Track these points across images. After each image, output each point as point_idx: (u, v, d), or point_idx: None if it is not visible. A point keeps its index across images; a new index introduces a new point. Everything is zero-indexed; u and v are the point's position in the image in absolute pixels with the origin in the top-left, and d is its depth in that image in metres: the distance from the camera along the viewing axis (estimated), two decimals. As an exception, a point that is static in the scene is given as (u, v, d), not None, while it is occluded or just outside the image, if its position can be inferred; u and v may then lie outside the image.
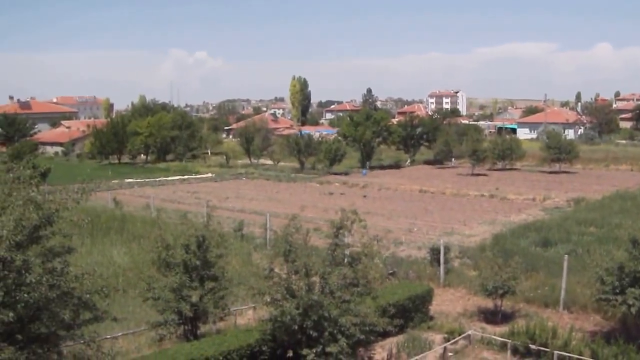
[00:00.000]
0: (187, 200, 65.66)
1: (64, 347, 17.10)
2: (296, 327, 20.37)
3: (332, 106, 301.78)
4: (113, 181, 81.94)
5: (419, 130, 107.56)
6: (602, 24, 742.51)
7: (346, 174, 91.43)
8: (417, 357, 23.32)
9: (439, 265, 33.79)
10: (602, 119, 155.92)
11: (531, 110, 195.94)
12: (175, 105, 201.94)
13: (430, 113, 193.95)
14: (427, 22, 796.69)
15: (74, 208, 16.80)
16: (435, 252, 34.86)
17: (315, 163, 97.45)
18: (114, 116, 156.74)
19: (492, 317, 28.46)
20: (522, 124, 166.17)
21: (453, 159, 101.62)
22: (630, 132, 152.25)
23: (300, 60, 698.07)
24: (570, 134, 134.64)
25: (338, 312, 20.34)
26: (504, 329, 26.32)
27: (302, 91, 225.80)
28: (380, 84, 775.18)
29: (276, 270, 21.70)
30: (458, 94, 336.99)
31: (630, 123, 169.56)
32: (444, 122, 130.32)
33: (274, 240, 24.99)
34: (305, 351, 20.11)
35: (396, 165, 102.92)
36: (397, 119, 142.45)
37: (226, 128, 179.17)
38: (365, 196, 68.84)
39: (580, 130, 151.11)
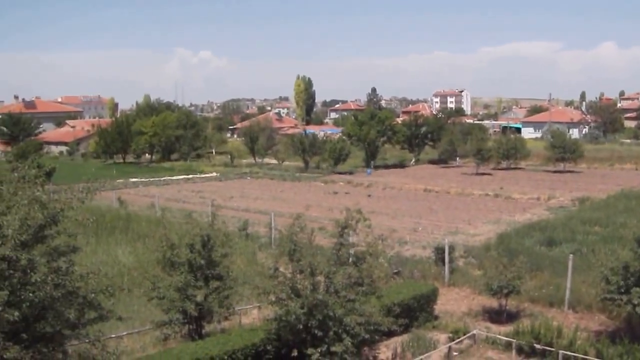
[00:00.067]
0: (191, 199, 65.72)
1: (69, 346, 17.11)
2: (301, 327, 20.36)
3: (337, 105, 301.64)
4: (118, 180, 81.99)
5: (423, 129, 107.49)
6: (607, 23, 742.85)
7: (351, 173, 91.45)
8: (422, 357, 23.29)
9: (444, 264, 33.76)
10: (606, 118, 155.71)
11: (536, 110, 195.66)
12: (180, 105, 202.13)
13: (434, 112, 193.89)
14: (431, 21, 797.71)
15: (79, 207, 16.81)
16: (439, 251, 34.82)
17: (320, 162, 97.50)
18: (118, 116, 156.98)
19: (496, 316, 28.43)
20: (526, 123, 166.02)
21: (457, 158, 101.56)
22: (634, 131, 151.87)
23: (304, 60, 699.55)
24: (574, 133, 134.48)
25: (343, 312, 20.33)
26: (508, 328, 26.28)
27: (306, 90, 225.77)
28: (385, 83, 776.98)
29: (281, 269, 21.70)
30: (462, 93, 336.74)
31: (634, 122, 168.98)
32: (449, 122, 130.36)
33: (279, 239, 24.98)
34: (310, 350, 20.10)
35: (401, 165, 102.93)
36: (401, 118, 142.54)
37: (230, 127, 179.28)
38: (369, 195, 68.80)
39: (585, 130, 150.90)
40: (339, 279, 20.67)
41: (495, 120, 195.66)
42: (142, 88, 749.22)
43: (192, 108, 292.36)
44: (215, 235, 23.45)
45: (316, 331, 20.18)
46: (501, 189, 70.21)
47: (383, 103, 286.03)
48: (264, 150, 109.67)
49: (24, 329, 15.45)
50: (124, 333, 24.26)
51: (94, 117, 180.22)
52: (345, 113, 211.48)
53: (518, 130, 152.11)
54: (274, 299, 21.11)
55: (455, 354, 24.34)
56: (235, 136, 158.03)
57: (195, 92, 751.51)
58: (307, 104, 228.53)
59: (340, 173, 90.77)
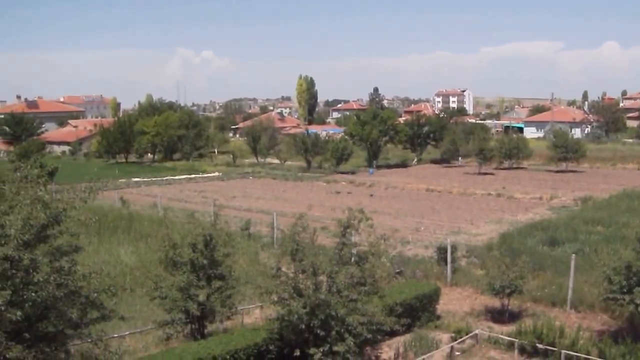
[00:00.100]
0: (194, 199, 65.74)
1: (72, 345, 17.12)
2: (303, 326, 20.35)
3: (339, 105, 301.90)
4: (120, 180, 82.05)
5: (425, 129, 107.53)
6: (609, 23, 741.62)
7: (353, 173, 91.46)
8: (424, 356, 23.29)
9: (446, 264, 33.75)
10: (609, 117, 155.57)
11: (538, 109, 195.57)
12: (182, 105, 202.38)
13: (437, 112, 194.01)
14: (433, 21, 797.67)
15: (82, 207, 16.82)
16: (442, 251, 34.82)
17: (322, 162, 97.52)
18: (121, 115, 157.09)
19: (499, 316, 28.41)
20: (528, 123, 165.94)
21: (460, 158, 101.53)
22: (637, 130, 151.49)
23: (306, 60, 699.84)
24: (577, 132, 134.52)
25: (345, 311, 20.32)
26: (511, 328, 26.27)
27: (308, 90, 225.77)
28: (387, 83, 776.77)
29: (283, 269, 21.70)
30: (465, 93, 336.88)
31: (637, 122, 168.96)
32: (451, 121, 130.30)
33: (281, 239, 24.98)
34: (312, 350, 20.08)
35: (403, 164, 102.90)
36: (403, 118, 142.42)
37: (233, 127, 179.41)
38: (372, 195, 68.84)
39: (587, 129, 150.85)
40: (342, 278, 20.66)
41: (498, 120, 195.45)
42: (144, 88, 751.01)
43: (195, 108, 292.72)
44: (218, 235, 23.44)
45: (318, 331, 20.17)
46: (503, 189, 70.22)
47: (385, 103, 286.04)
48: (266, 150, 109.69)
49: (26, 329, 15.46)
50: (127, 333, 24.28)
51: (97, 117, 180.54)
52: (348, 113, 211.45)
53: (520, 129, 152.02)
54: (276, 298, 21.11)
55: (457, 353, 24.33)
56: (237, 136, 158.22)
57: (197, 92, 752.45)
58: (310, 104, 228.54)
59: (342, 173, 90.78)
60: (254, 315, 27.78)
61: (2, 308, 14.25)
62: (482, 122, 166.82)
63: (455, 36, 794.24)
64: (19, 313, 14.56)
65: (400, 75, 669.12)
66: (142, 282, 25.60)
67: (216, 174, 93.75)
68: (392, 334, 23.95)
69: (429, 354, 23.56)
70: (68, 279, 15.85)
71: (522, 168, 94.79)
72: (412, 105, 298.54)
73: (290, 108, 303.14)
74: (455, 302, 30.85)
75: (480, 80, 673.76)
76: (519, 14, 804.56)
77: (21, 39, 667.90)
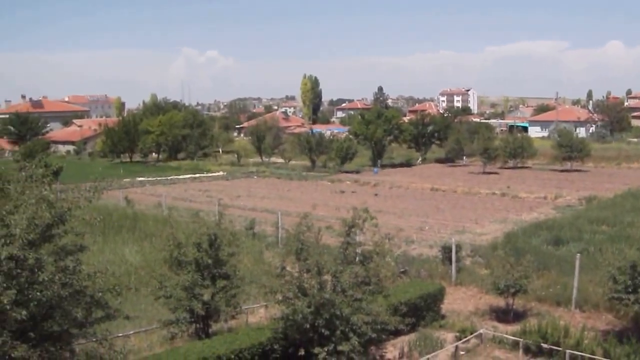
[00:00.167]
0: (198, 198, 65.81)
1: (77, 345, 17.14)
2: (308, 326, 20.35)
3: (343, 104, 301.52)
4: (125, 180, 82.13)
5: (430, 128, 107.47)
6: (614, 22, 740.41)
7: (357, 172, 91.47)
8: (428, 356, 23.28)
9: (451, 263, 33.73)
10: (613, 117, 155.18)
11: (542, 109, 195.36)
12: (187, 104, 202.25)
13: (441, 111, 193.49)
14: (437, 20, 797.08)
15: (86, 207, 16.83)
16: (446, 250, 34.80)
17: (327, 161, 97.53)
18: (125, 115, 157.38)
19: (503, 315, 28.39)
20: (533, 122, 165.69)
21: (464, 157, 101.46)
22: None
23: (311, 59, 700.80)
24: (581, 132, 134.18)
25: (350, 311, 20.33)
26: (515, 327, 26.25)
27: (313, 89, 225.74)
28: (392, 82, 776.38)
29: (288, 268, 21.71)
30: (469, 92, 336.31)
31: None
32: (455, 121, 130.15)
33: (286, 238, 25.00)
34: (317, 350, 20.09)
35: (407, 164, 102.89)
36: (408, 117, 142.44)
37: (237, 126, 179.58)
38: (376, 194, 68.84)
39: (592, 129, 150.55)
40: (346, 278, 20.66)
41: (502, 119, 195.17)
42: (149, 87, 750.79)
43: (199, 107, 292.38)
44: (222, 234, 23.46)
45: (323, 330, 20.18)
46: (508, 188, 70.12)
47: (390, 102, 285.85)
48: (271, 149, 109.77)
49: (31, 328, 15.48)
50: (131, 332, 24.30)
51: (101, 117, 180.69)
52: (352, 112, 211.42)
53: (525, 129, 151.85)
54: (280, 298, 21.12)
55: (462, 353, 24.32)
56: (242, 135, 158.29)
57: (201, 92, 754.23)
58: (314, 103, 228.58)
59: (347, 172, 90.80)
60: (259, 315, 27.80)
61: (8, 307, 14.28)
62: (487, 121, 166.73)
63: (460, 35, 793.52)
64: (24, 312, 14.58)
65: (405, 75, 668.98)
66: (147, 281, 25.64)
67: (220, 173, 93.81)
68: (397, 333, 23.95)
69: (433, 354, 23.56)
70: (73, 279, 15.88)
71: (526, 167, 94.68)
72: (417, 104, 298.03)
73: (294, 107, 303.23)
74: (460, 301, 30.83)
75: (484, 79, 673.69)
76: (524, 13, 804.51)
77: (25, 38, 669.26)
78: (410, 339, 24.72)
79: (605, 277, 24.90)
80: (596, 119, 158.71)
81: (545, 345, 23.63)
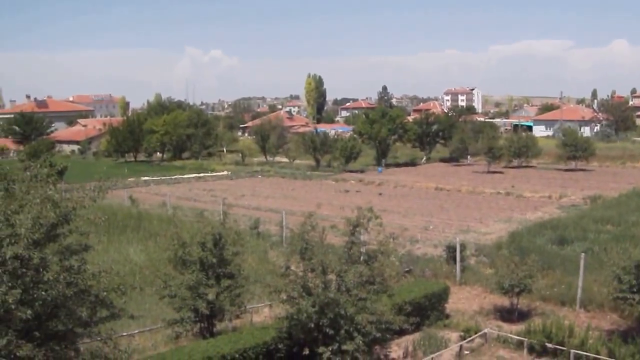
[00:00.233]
0: (203, 198, 65.85)
1: (81, 344, 17.16)
2: (312, 325, 20.37)
3: (348, 104, 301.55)
4: (129, 179, 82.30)
5: (434, 127, 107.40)
6: (619, 21, 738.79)
7: (362, 171, 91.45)
8: (433, 355, 23.28)
9: (455, 263, 33.73)
10: (618, 116, 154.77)
11: (547, 108, 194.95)
12: (191, 104, 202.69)
13: (445, 110, 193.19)
14: (442, 19, 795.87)
15: (91, 206, 16.85)
16: (451, 250, 34.80)
17: (331, 161, 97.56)
18: (130, 114, 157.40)
19: (508, 315, 28.38)
20: (537, 122, 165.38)
21: (469, 157, 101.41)
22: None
23: (315, 58, 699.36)
24: (586, 131, 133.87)
25: (354, 310, 20.33)
26: (520, 327, 26.23)
27: (317, 89, 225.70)
28: (396, 81, 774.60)
29: (292, 268, 21.72)
30: (473, 92, 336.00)
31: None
32: (460, 120, 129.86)
33: (290, 238, 25.05)
34: (321, 349, 20.11)
35: (412, 163, 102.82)
36: (412, 117, 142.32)
37: (242, 126, 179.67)
38: (381, 194, 68.86)
39: (597, 128, 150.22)
40: (351, 277, 20.67)
41: (507, 119, 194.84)
42: (153, 87, 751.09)
43: (203, 107, 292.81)
44: (227, 234, 23.50)
45: (327, 330, 20.20)
46: (512, 187, 70.10)
47: (394, 101, 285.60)
48: (275, 149, 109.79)
49: (36, 327, 15.50)
50: (136, 331, 24.35)
51: (106, 116, 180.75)
52: (356, 111, 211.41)
53: (529, 128, 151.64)
54: (285, 297, 21.14)
55: (466, 352, 24.32)
56: (246, 135, 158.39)
57: (206, 91, 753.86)
58: (318, 103, 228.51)
59: (351, 171, 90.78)
60: (263, 314, 27.83)
61: (13, 307, 14.30)
62: (491, 120, 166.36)
63: (464, 35, 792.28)
64: (29, 312, 14.61)
65: (409, 74, 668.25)
66: (152, 280, 25.66)
67: (225, 172, 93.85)
68: (401, 332, 23.96)
69: (437, 353, 23.56)
70: (78, 278, 15.89)
71: (531, 167, 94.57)
72: (421, 103, 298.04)
73: (298, 107, 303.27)
74: (464, 301, 30.83)
75: (489, 78, 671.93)
76: (528, 12, 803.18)
77: (29, 38, 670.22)
78: (414, 339, 24.73)
79: (610, 276, 24.87)
80: (601, 118, 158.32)
81: (549, 345, 23.62)
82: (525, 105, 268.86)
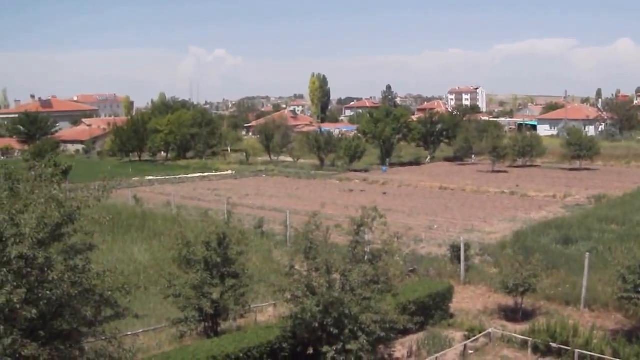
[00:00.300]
0: (207, 197, 65.90)
1: (86, 343, 17.18)
2: (317, 325, 20.39)
3: (352, 103, 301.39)
4: (134, 179, 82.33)
5: (438, 127, 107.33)
6: (623, 20, 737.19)
7: (366, 170, 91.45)
8: (437, 355, 23.28)
9: (460, 262, 33.72)
10: (623, 115, 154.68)
11: (551, 107, 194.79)
12: (195, 103, 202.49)
13: (450, 110, 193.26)
14: (446, 18, 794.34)
15: (95, 206, 16.86)
16: (455, 249, 34.79)
17: (335, 160, 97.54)
18: (134, 114, 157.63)
19: (512, 314, 28.37)
20: (542, 121, 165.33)
21: (473, 156, 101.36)
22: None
23: (319, 58, 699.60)
24: (590, 130, 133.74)
25: (358, 310, 20.35)
26: (524, 326, 26.22)
27: (321, 88, 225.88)
28: (400, 80, 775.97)
29: (297, 267, 21.75)
30: (478, 91, 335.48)
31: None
32: (464, 119, 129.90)
33: (295, 237, 25.01)
34: (325, 348, 20.13)
35: (416, 162, 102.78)
36: (416, 116, 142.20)
37: (246, 125, 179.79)
38: (385, 193, 68.85)
39: (601, 127, 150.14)
40: (355, 277, 20.68)
41: (511, 118, 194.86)
42: (157, 87, 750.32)
43: (208, 106, 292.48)
44: (231, 233, 23.52)
45: (332, 329, 20.21)
46: (517, 187, 70.03)
47: (398, 100, 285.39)
48: (279, 148, 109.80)
49: (41, 327, 15.53)
50: (140, 330, 24.40)
51: (110, 116, 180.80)
52: (361, 111, 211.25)
53: (534, 127, 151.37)
54: (289, 296, 21.16)
55: (470, 352, 24.31)
56: (250, 134, 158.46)
57: (210, 91, 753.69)
58: (322, 102, 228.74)
59: (355, 171, 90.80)
60: (267, 314, 27.85)
61: (18, 306, 14.32)
62: (496, 119, 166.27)
63: (469, 34, 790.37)
64: (34, 311, 14.63)
65: (413, 73, 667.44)
66: (156, 280, 25.70)
67: (229, 172, 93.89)
68: (406, 332, 23.96)
69: (442, 353, 23.56)
70: (82, 277, 15.91)
71: (535, 166, 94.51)
72: (425, 103, 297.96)
73: (303, 106, 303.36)
74: (469, 300, 30.82)
75: (493, 77, 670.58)
76: (533, 11, 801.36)
77: (33, 38, 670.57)
78: (418, 338, 24.74)
79: (615, 276, 24.87)
80: (605, 118, 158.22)
81: (554, 345, 23.61)
82: (529, 104, 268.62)
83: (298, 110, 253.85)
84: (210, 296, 22.39)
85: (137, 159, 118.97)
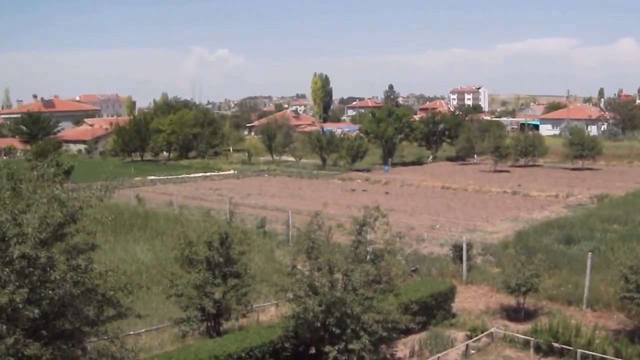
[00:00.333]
0: (209, 197, 65.91)
1: (88, 343, 17.19)
2: (319, 324, 20.40)
3: (354, 103, 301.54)
4: (136, 178, 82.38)
5: (441, 126, 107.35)
6: (625, 19, 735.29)
7: (368, 170, 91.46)
8: (439, 354, 23.29)
9: (462, 262, 33.72)
10: (625, 114, 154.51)
11: (554, 107, 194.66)
12: (197, 103, 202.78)
13: (452, 109, 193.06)
14: (448, 18, 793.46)
15: (98, 205, 16.88)
16: (457, 249, 34.79)
17: (337, 160, 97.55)
18: (136, 114, 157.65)
19: (514, 314, 28.36)
20: (544, 120, 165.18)
21: (475, 156, 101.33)
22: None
23: (321, 57, 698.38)
24: (593, 130, 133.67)
25: (361, 309, 20.35)
26: (526, 326, 26.22)
27: (323, 88, 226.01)
28: (402, 80, 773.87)
29: (299, 267, 21.75)
30: (480, 90, 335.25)
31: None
32: (466, 119, 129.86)
33: (297, 237, 25.01)
34: (327, 348, 20.14)
35: (418, 162, 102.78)
36: (419, 116, 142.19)
37: (248, 125, 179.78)
38: (387, 193, 68.87)
39: (603, 127, 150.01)
40: (357, 276, 20.68)
41: (513, 117, 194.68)
42: (160, 86, 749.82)
43: (210, 106, 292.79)
44: (233, 233, 23.54)
45: (334, 329, 20.22)
46: (519, 186, 70.02)
47: (400, 100, 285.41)
48: (282, 148, 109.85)
49: (43, 326, 15.55)
50: (143, 330, 24.42)
51: (112, 116, 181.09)
52: (363, 110, 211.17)
53: (536, 127, 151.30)
54: (291, 296, 21.18)
55: (472, 352, 24.31)
56: (252, 134, 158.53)
57: (212, 90, 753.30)
58: (324, 102, 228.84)
59: (357, 170, 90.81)
60: (270, 313, 27.86)
61: (20, 306, 14.34)
62: (498, 119, 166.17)
63: (471, 33, 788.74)
64: (36, 311, 14.64)
65: (416, 73, 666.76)
66: (158, 279, 25.73)
67: (231, 171, 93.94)
68: (408, 332, 23.96)
69: (444, 352, 23.57)
70: (85, 277, 15.92)
71: (537, 166, 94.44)
72: (427, 102, 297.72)
73: (305, 106, 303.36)
74: (471, 300, 30.82)
75: (495, 77, 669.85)
76: (535, 11, 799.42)
77: (36, 38, 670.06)
78: (421, 338, 24.74)
79: (617, 276, 24.85)
80: (608, 117, 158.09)
81: (556, 345, 23.60)
82: (531, 104, 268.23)
83: (300, 110, 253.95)
84: (212, 296, 22.40)
85: (139, 158, 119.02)
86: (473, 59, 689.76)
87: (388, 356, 23.09)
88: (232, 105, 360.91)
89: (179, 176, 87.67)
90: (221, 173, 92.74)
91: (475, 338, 25.00)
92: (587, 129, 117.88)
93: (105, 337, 17.21)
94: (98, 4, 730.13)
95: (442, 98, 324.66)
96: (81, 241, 16.68)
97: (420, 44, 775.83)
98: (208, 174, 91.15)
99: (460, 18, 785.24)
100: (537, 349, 23.95)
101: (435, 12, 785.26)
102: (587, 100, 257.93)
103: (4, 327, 14.48)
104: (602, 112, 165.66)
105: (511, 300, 29.08)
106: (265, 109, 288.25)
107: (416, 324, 22.83)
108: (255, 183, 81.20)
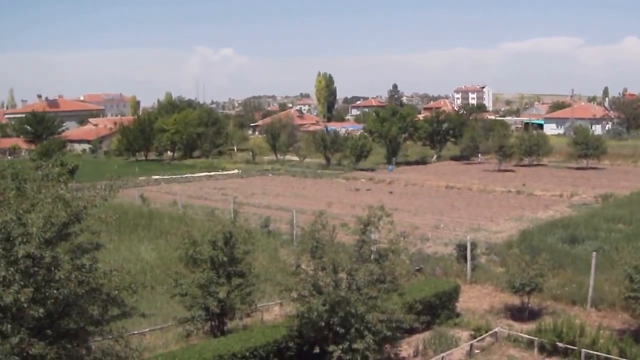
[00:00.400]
0: (213, 196, 65.95)
1: (93, 342, 17.22)
2: (323, 324, 20.40)
3: (358, 102, 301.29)
4: (140, 178, 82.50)
5: (445, 125, 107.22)
6: (630, 18, 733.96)
7: (372, 170, 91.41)
8: (443, 354, 23.28)
9: (466, 261, 33.70)
10: (630, 114, 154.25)
11: (558, 106, 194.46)
12: (201, 102, 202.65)
13: (456, 108, 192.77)
14: (452, 17, 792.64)
15: (102, 205, 16.89)
16: (461, 248, 34.76)
17: (341, 159, 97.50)
18: (140, 113, 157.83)
19: (519, 314, 28.34)
20: (549, 120, 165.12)
21: (479, 155, 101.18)
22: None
23: (325, 57, 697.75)
24: (597, 129, 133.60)
25: (365, 309, 20.35)
26: (531, 326, 26.20)
27: (327, 87, 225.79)
28: (406, 79, 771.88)
29: (303, 266, 21.76)
30: (484, 90, 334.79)
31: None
32: (470, 118, 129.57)
33: (301, 236, 25.06)
34: (331, 347, 20.15)
35: (422, 161, 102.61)
36: (423, 115, 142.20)
37: (252, 124, 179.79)
38: (391, 192, 68.84)
39: (608, 126, 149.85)
40: (361, 276, 20.68)
41: (517, 117, 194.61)
42: (164, 86, 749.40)
43: (214, 105, 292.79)
44: (238, 232, 23.55)
45: (338, 328, 20.23)
46: (523, 186, 69.93)
47: (404, 99, 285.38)
48: (286, 147, 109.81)
49: (48, 326, 15.57)
50: (147, 329, 24.43)
51: (116, 115, 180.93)
52: (367, 110, 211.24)
53: (540, 126, 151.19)
54: (295, 295, 21.20)
55: (477, 351, 24.30)
56: (256, 133, 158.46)
57: (216, 90, 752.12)
58: (329, 101, 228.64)
59: (361, 170, 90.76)
60: (274, 313, 27.87)
61: (25, 305, 14.36)
62: (502, 118, 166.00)
63: (475, 32, 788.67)
64: (41, 310, 14.66)
65: (420, 72, 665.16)
66: (163, 279, 25.78)
67: (235, 171, 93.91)
68: (412, 331, 23.95)
69: (448, 352, 23.56)
70: (89, 277, 15.93)
71: (542, 165, 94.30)
72: (432, 102, 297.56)
73: (309, 105, 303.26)
74: (475, 299, 30.80)
75: (499, 76, 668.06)
76: (539, 10, 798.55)
77: (39, 38, 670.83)
78: (425, 337, 24.74)
79: (622, 275, 24.82)
80: (612, 116, 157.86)
81: (560, 344, 23.58)
82: (536, 103, 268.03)
83: (304, 110, 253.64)
84: (216, 295, 22.43)
85: (143, 158, 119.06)
86: (477, 58, 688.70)
87: (392, 356, 23.10)
88: (236, 104, 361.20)
89: (183, 176, 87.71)
90: (225, 172, 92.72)
91: (480, 338, 24.99)
92: (591, 128, 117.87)
93: (110, 337, 17.22)
94: (98, 4, 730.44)
95: (446, 97, 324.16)
96: (85, 241, 16.71)
97: (424, 43, 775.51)
98: (212, 173, 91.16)
99: (464, 17, 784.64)
100: (542, 349, 23.94)
101: (438, 12, 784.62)
102: (592, 99, 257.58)
103: (9, 326, 14.50)
104: (607, 111, 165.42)
105: (515, 300, 29.07)
106: (269, 108, 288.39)
107: (420, 324, 22.83)
108: (260, 182, 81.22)
